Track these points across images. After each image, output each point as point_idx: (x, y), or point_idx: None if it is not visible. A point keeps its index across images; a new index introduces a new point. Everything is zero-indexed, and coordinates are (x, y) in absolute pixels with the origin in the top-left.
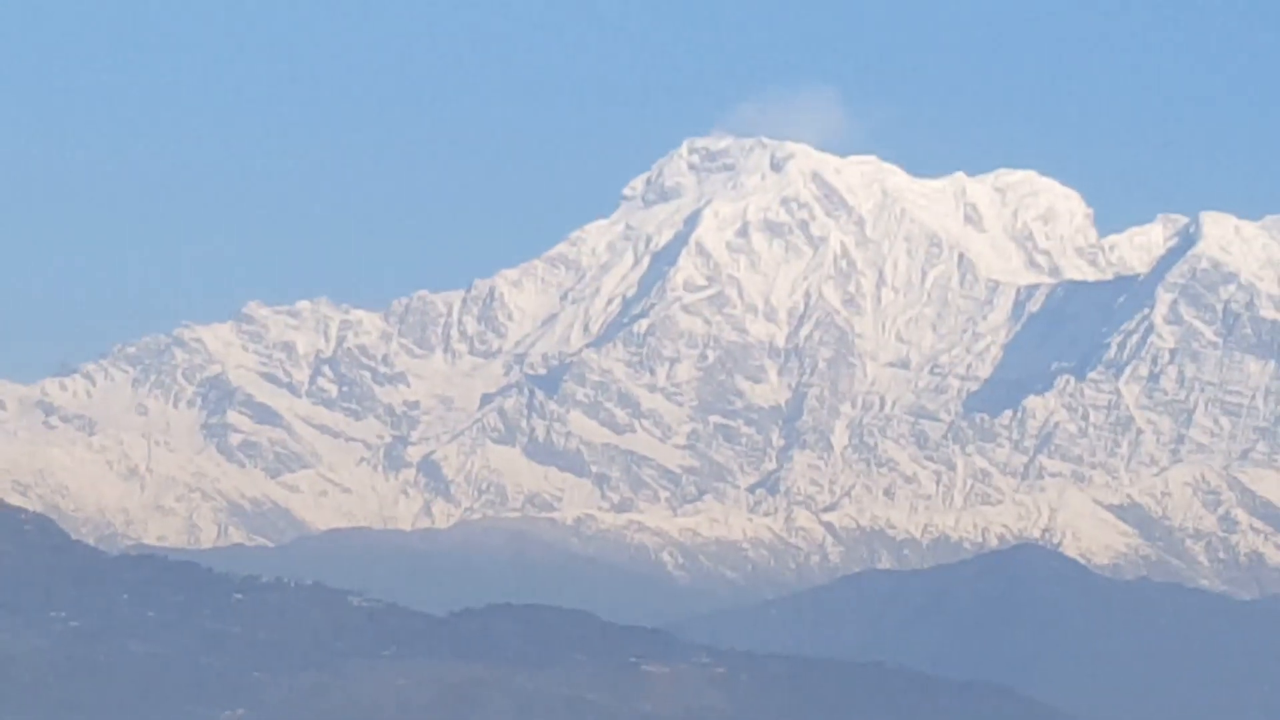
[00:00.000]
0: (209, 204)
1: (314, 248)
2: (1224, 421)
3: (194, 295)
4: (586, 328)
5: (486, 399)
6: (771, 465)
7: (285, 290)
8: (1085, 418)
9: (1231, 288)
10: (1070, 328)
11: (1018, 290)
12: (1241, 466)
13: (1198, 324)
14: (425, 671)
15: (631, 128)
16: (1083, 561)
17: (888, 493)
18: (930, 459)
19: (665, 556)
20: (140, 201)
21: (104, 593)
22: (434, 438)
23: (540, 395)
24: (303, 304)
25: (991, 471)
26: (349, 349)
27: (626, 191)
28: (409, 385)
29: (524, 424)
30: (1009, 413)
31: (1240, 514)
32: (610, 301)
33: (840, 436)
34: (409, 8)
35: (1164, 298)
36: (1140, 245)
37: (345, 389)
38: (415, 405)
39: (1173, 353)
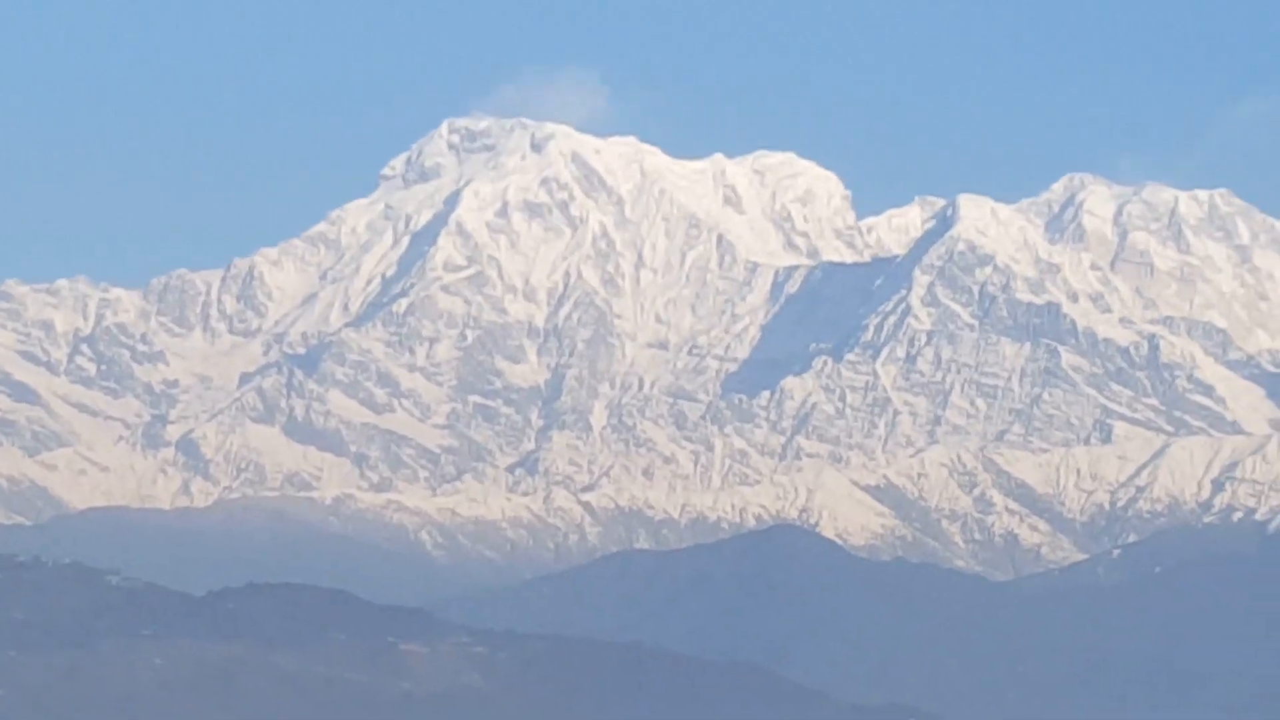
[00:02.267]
0: None
1: (72, 226)
2: (980, 403)
3: None
4: (346, 307)
5: (245, 378)
6: (530, 445)
7: (43, 268)
8: (842, 399)
9: (988, 270)
10: (828, 309)
11: (776, 272)
12: (997, 448)
13: (954, 306)
14: (184, 651)
15: (391, 107)
16: (839, 542)
17: (646, 473)
18: (688, 439)
19: (424, 536)
20: None
21: None
22: (193, 416)
23: (299, 374)
24: (61, 282)
25: (749, 452)
26: (108, 327)
27: (386, 171)
28: (168, 364)
29: (283, 403)
30: (767, 394)
31: (995, 495)
32: (370, 281)
33: (599, 417)
34: None
35: (921, 280)
36: (898, 227)
37: (104, 367)
38: (174, 384)
39: (929, 334)
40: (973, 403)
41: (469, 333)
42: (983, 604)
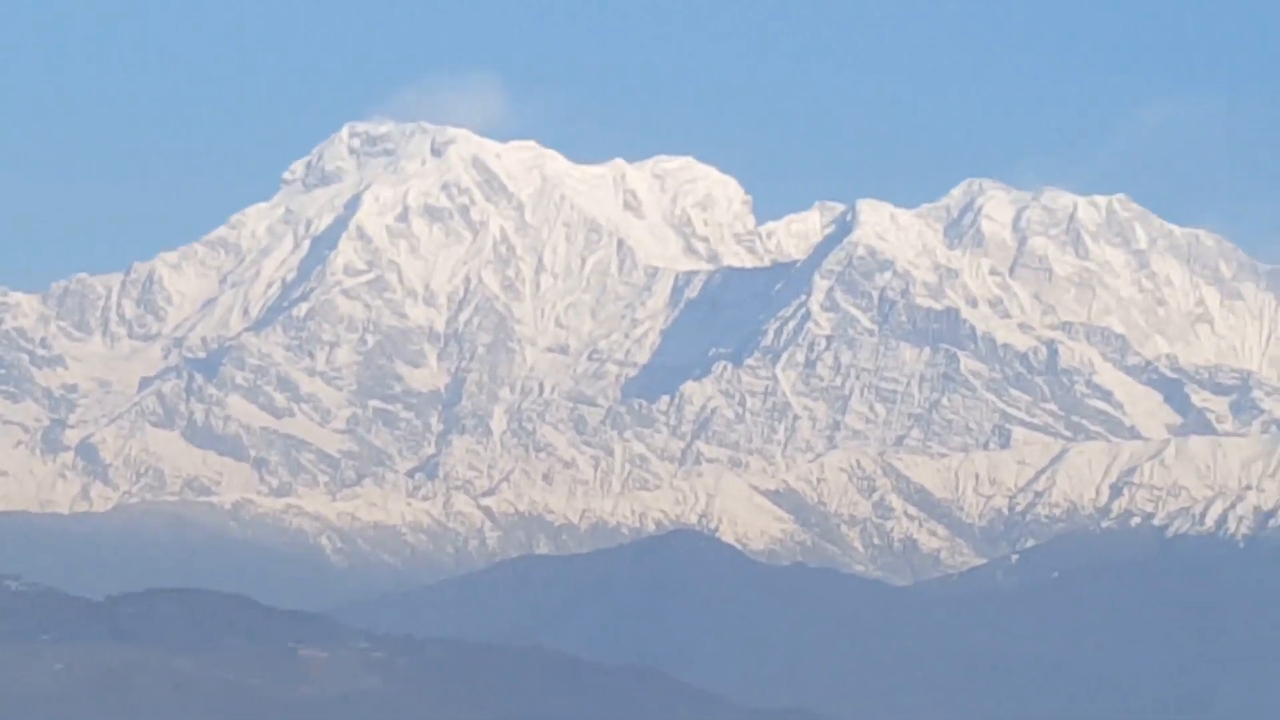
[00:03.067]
0: None
1: None
2: (879, 408)
3: None
4: (246, 311)
5: (145, 382)
6: (430, 450)
7: None
8: (742, 404)
9: (887, 275)
10: (728, 314)
11: (676, 276)
12: (896, 453)
13: (853, 311)
14: (83, 655)
15: (291, 111)
16: (739, 547)
17: (546, 478)
18: (588, 444)
19: (324, 541)
20: None
21: None
22: (92, 421)
23: (199, 379)
24: None
25: (649, 457)
26: (6, 331)
27: (286, 175)
28: (67, 368)
29: (183, 407)
30: (666, 399)
31: (895, 500)
32: (270, 285)
33: (499, 421)
34: None
35: (820, 285)
36: (797, 233)
37: (2, 372)
38: (74, 388)
39: (829, 339)
40: (872, 408)
41: (369, 337)
42: (881, 609)
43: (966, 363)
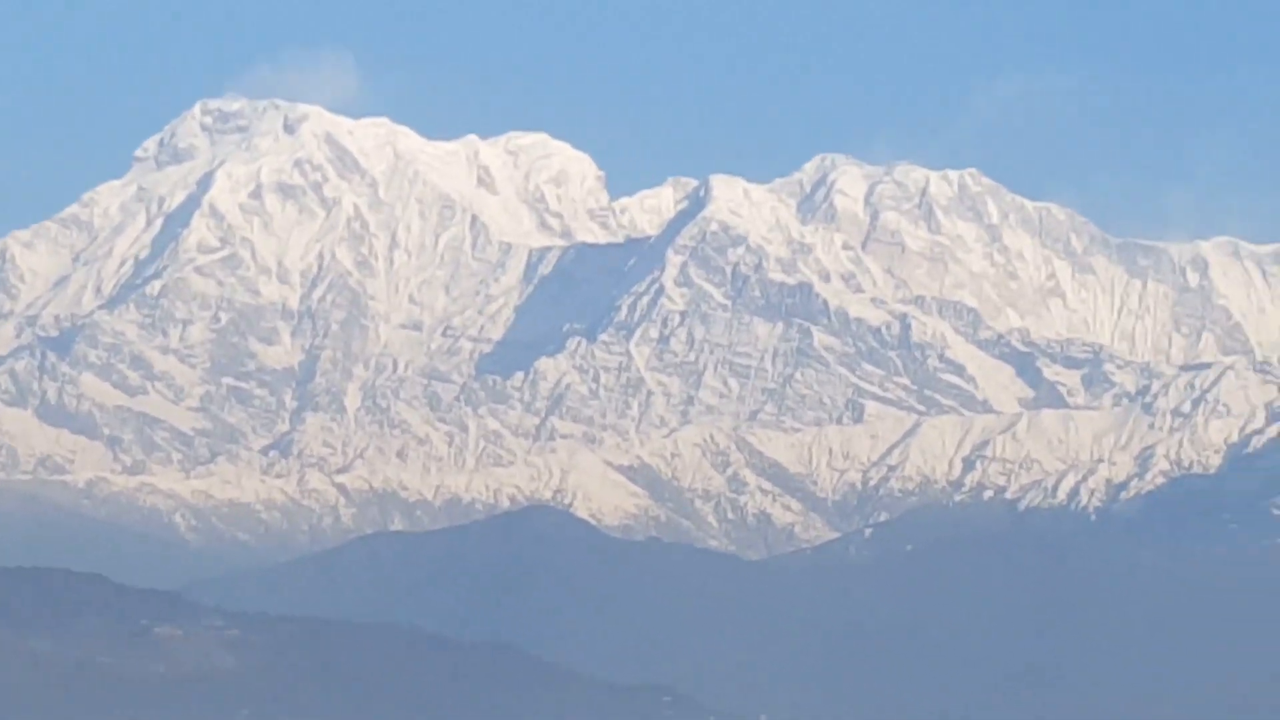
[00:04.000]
0: None
1: None
2: (733, 383)
3: None
4: (99, 289)
5: None
6: (285, 427)
7: None
8: (596, 379)
9: (740, 250)
10: (582, 290)
11: (530, 253)
12: (750, 428)
13: (707, 286)
14: None
15: (144, 89)
16: (594, 522)
17: (400, 454)
18: (442, 421)
19: (178, 519)
20: None
21: None
22: None
23: (52, 357)
24: None
25: (503, 433)
26: None
27: (139, 153)
28: None
29: (35, 386)
30: (521, 375)
31: (748, 475)
32: (123, 263)
33: (353, 398)
34: None
35: (674, 260)
36: (650, 208)
37: None
38: None
39: (682, 315)
40: (725, 383)
41: (222, 315)
42: (736, 583)
43: (820, 337)
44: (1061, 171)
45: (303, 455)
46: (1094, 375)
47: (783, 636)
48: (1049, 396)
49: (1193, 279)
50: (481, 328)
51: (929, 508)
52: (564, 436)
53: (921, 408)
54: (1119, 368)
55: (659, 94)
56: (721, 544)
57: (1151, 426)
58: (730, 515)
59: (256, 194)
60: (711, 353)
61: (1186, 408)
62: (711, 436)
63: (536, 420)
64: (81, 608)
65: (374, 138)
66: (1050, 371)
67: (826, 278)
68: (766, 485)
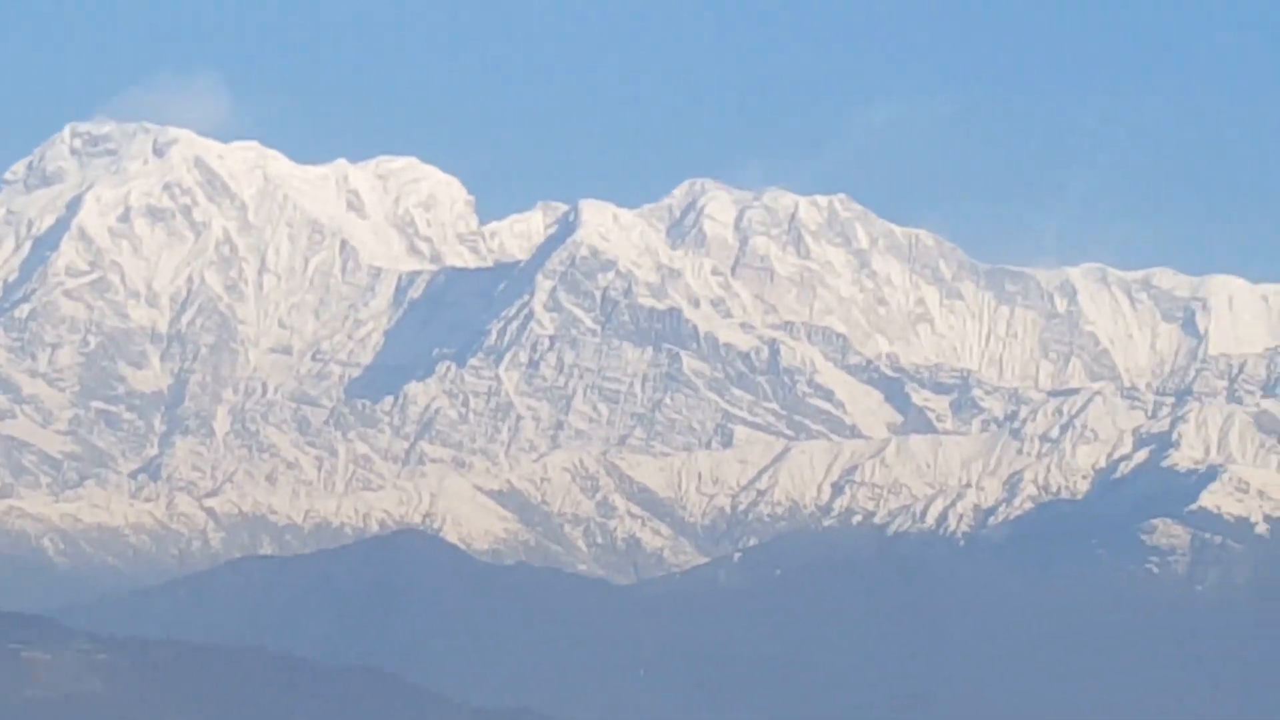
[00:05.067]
0: None
1: None
2: (602, 408)
3: None
4: None
5: None
6: (154, 451)
7: None
8: (466, 404)
9: (610, 275)
10: (451, 314)
11: (399, 277)
12: (619, 453)
13: (577, 311)
14: None
15: (12, 112)
16: (463, 547)
17: (269, 478)
18: (312, 445)
19: (46, 543)
20: None
21: None
22: None
23: None
24: None
25: (373, 457)
26: None
27: (8, 176)
28: None
29: None
30: (390, 399)
31: (618, 500)
32: None
33: (222, 422)
34: None
35: (544, 285)
36: (520, 233)
37: None
38: None
39: (552, 339)
40: (595, 407)
41: (91, 338)
42: (605, 608)
43: (689, 362)
44: (931, 197)
45: (171, 479)
46: (962, 401)
47: (651, 660)
48: (917, 422)
49: (1061, 305)
50: (351, 352)
51: (798, 532)
52: (433, 461)
53: (790, 433)
54: (987, 393)
55: (529, 118)
56: (590, 569)
57: (1019, 452)
58: (599, 540)
59: (125, 217)
60: (581, 377)
61: (1054, 433)
62: (581, 461)
63: (406, 444)
64: None
65: (244, 161)
66: (919, 397)
67: (696, 303)
68: (635, 510)
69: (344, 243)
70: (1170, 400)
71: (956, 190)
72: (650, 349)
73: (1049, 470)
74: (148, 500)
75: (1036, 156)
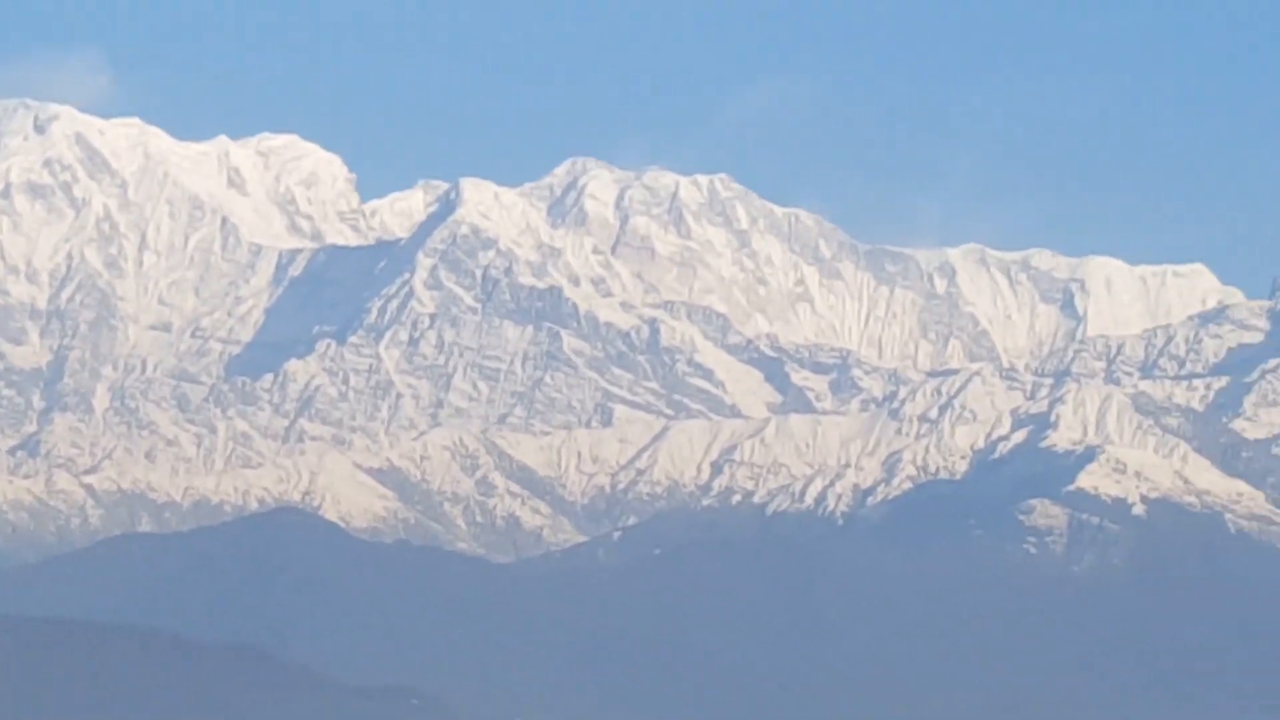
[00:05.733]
0: None
1: None
2: (482, 386)
3: None
4: None
5: None
6: (32, 428)
7: None
8: (346, 381)
9: (490, 254)
10: (331, 292)
11: (280, 254)
12: (499, 431)
13: (457, 290)
14: None
15: None
16: (342, 525)
17: (149, 455)
18: (191, 422)
19: None
20: None
21: None
22: None
23: None
24: None
25: (253, 435)
26: None
27: None
28: None
29: None
30: (270, 376)
31: (497, 478)
32: None
33: (101, 399)
34: None
35: (424, 263)
36: (401, 211)
37: None
38: None
39: (432, 318)
40: (475, 386)
41: None
42: (485, 586)
43: (569, 341)
44: (812, 178)
45: (50, 456)
46: (842, 381)
47: (531, 638)
48: (797, 401)
49: (940, 286)
50: (231, 329)
51: (677, 511)
52: (313, 439)
53: (670, 412)
54: (866, 373)
55: (410, 96)
56: (470, 547)
57: (898, 432)
58: (479, 518)
59: (6, 193)
60: (461, 356)
61: (933, 414)
62: (461, 439)
63: (285, 422)
64: None
65: (125, 138)
66: (798, 377)
67: (576, 282)
68: (515, 488)
69: (225, 220)
70: (1048, 381)
71: (837, 170)
72: (530, 328)
73: (927, 450)
74: (26, 477)
75: (917, 137)
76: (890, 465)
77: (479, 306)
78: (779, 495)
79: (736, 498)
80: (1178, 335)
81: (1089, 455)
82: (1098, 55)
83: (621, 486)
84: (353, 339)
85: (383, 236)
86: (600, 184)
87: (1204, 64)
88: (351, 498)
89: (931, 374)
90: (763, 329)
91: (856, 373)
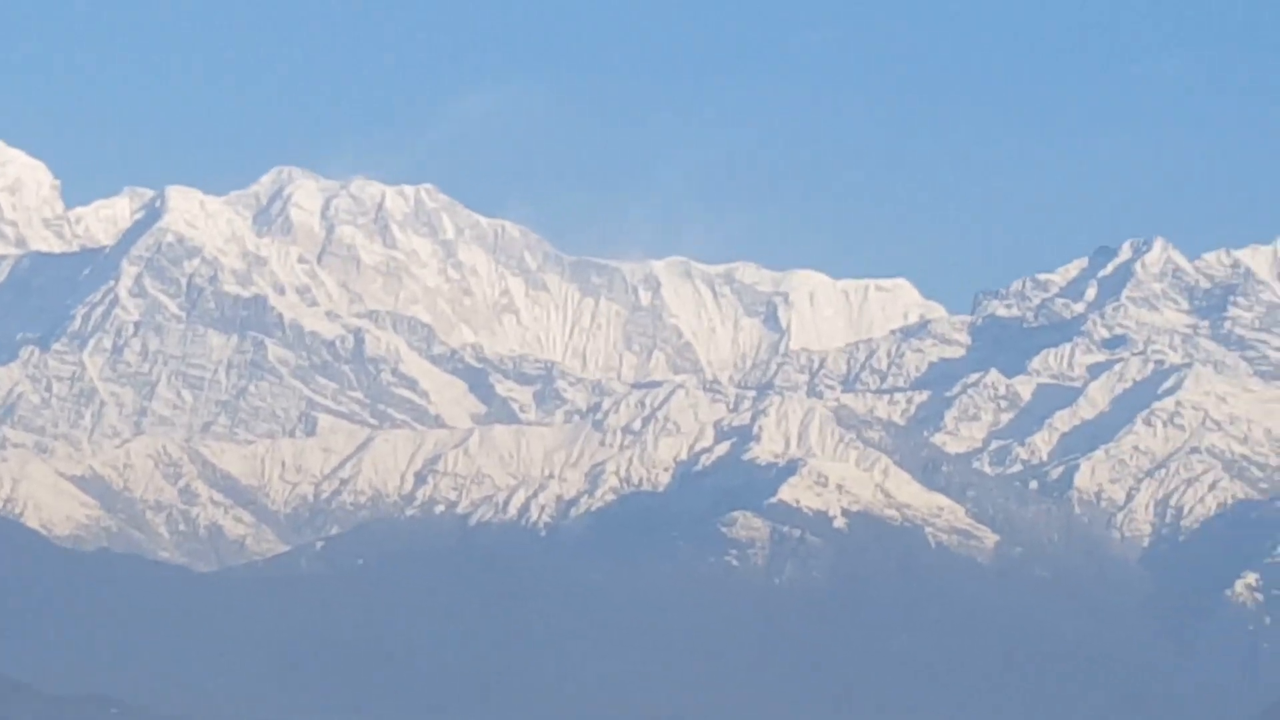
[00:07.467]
0: None
1: None
2: (186, 394)
3: None
4: None
5: None
6: None
7: None
8: (49, 389)
9: (195, 262)
10: (36, 299)
11: None
12: (203, 439)
13: (162, 297)
14: None
15: None
16: (44, 533)
17: None
18: None
19: None
20: None
21: None
22: None
23: None
24: None
25: None
26: None
27: None
28: None
29: None
30: None
31: (200, 486)
32: None
33: None
34: None
35: (129, 270)
36: (107, 218)
37: None
38: None
39: (137, 325)
40: (180, 394)
41: None
42: (187, 595)
43: (274, 350)
44: (519, 189)
45: None
46: (546, 392)
47: (235, 648)
48: (501, 412)
49: (645, 298)
50: None
51: (380, 521)
52: (15, 446)
53: (374, 421)
54: (571, 385)
55: (117, 103)
56: (173, 555)
57: (602, 443)
58: (182, 527)
59: None
60: (165, 364)
61: (637, 425)
62: (164, 448)
63: None
64: None
65: None
66: (503, 388)
67: (281, 290)
68: (218, 497)
69: None
70: (751, 394)
71: (545, 182)
72: (235, 336)
73: (631, 462)
74: None
75: (625, 149)
76: (594, 477)
77: (184, 314)
78: (482, 506)
79: (440, 508)
80: (880, 349)
81: (791, 468)
82: (804, 70)
83: (325, 496)
84: (56, 346)
85: (87, 244)
86: (306, 193)
87: (906, 80)
88: (53, 505)
89: (635, 385)
90: (468, 339)
91: (561, 384)
